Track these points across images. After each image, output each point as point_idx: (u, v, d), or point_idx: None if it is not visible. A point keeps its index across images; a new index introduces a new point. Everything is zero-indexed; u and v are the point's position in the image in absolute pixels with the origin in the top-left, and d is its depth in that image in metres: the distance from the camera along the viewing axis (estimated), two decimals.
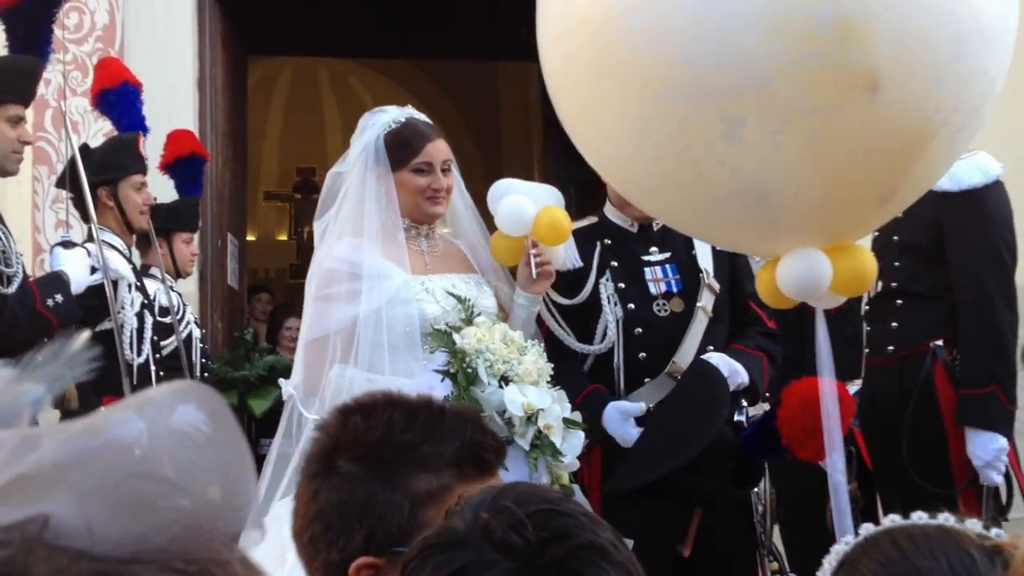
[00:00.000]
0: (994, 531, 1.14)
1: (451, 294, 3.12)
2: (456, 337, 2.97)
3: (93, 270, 4.19)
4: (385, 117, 3.25)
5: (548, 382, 3.00)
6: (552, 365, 3.06)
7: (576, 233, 3.41)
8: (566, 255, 3.39)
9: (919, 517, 1.17)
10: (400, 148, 3.19)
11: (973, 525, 1.15)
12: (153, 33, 5.74)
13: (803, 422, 2.97)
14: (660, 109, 2.17)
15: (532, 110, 11.01)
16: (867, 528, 1.19)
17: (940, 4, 2.10)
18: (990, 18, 2.17)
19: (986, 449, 3.51)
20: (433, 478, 1.49)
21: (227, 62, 6.50)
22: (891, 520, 1.18)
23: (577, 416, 3.05)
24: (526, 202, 3.29)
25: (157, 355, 4.62)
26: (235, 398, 6.40)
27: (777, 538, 4.34)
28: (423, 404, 1.57)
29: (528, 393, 2.90)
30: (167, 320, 4.85)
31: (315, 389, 3.04)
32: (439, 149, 3.22)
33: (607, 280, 3.37)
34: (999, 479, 3.55)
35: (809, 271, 2.34)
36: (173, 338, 4.87)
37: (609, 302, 3.35)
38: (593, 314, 3.37)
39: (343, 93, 13.50)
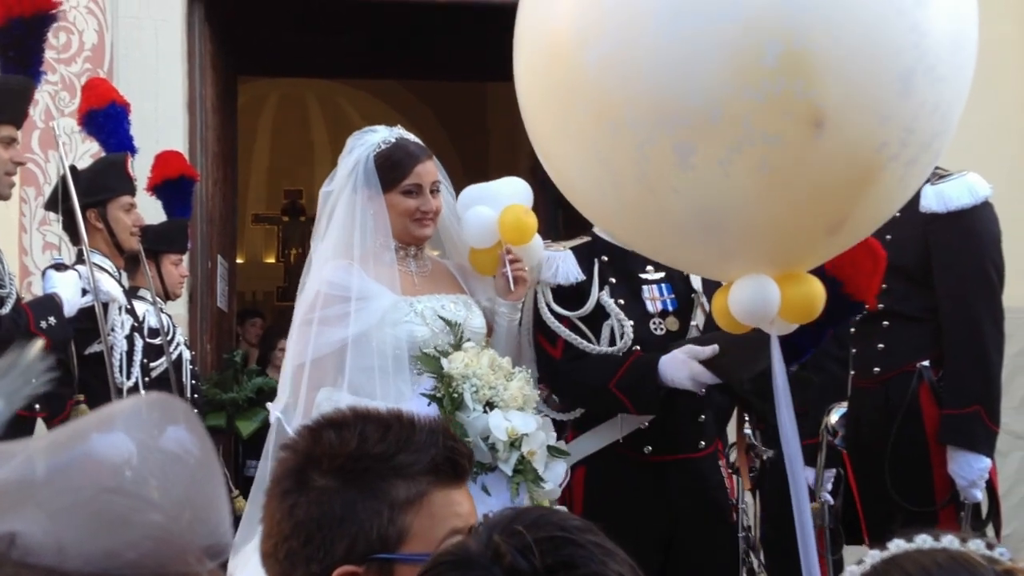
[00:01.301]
0: (998, 551, 1.12)
1: (441, 318, 3.11)
2: (444, 362, 2.98)
3: (84, 292, 4.18)
4: (374, 137, 3.23)
5: (534, 409, 3.00)
6: (538, 392, 3.08)
7: (575, 250, 3.44)
8: (546, 257, 3.41)
9: (923, 540, 1.14)
10: (390, 170, 3.18)
11: (976, 546, 1.12)
12: (143, 53, 5.73)
13: (858, 259, 2.91)
14: (617, 138, 2.23)
15: (520, 131, 11.04)
16: (872, 556, 1.15)
17: (887, 41, 2.12)
18: (941, 54, 2.19)
19: (970, 469, 3.52)
20: (410, 485, 1.51)
21: (217, 83, 6.51)
22: (896, 545, 1.14)
23: (562, 444, 3.05)
24: (484, 211, 3.29)
25: (147, 377, 4.61)
26: (223, 419, 6.38)
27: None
28: (394, 417, 1.58)
29: (512, 418, 2.91)
30: (157, 342, 4.83)
31: (307, 413, 3.02)
32: (428, 170, 3.22)
33: (607, 295, 3.38)
34: (980, 496, 3.56)
35: (758, 297, 2.40)
36: (163, 360, 4.85)
37: (614, 310, 3.36)
38: (599, 323, 3.38)
39: (331, 114, 13.54)
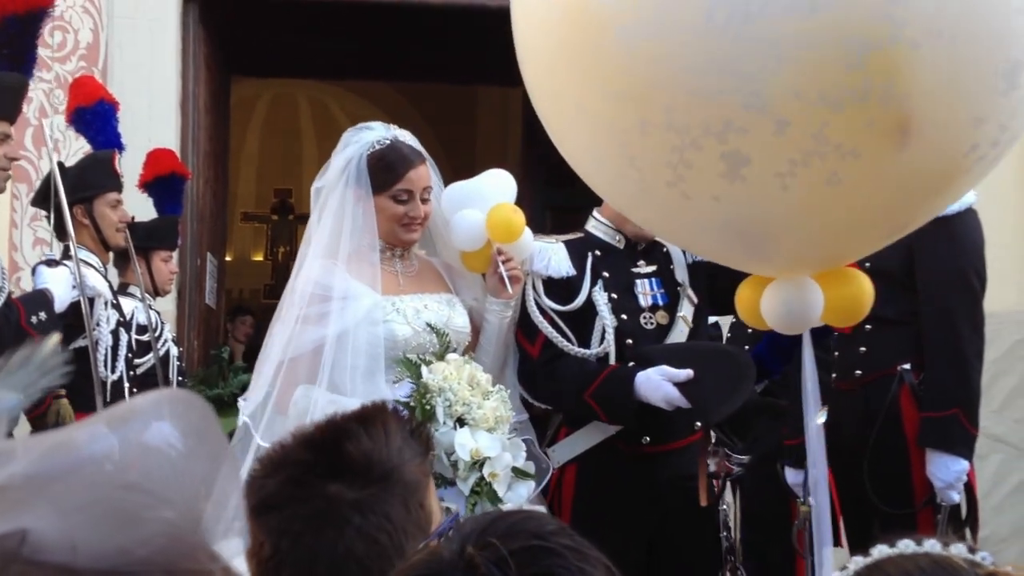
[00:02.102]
0: (980, 555, 1.12)
1: (429, 325, 3.11)
2: (424, 370, 2.97)
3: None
4: (370, 136, 3.20)
5: (506, 430, 3.00)
6: (514, 414, 3.08)
7: (568, 244, 3.45)
8: (538, 249, 3.41)
9: (906, 545, 1.14)
10: (382, 172, 3.16)
11: (959, 550, 1.13)
12: (137, 52, 5.75)
13: None
14: (651, 137, 1.92)
15: (510, 135, 11.07)
16: (856, 562, 1.15)
17: (994, 30, 1.81)
18: None
19: (947, 471, 3.53)
20: (419, 470, 1.55)
21: (210, 82, 6.52)
22: (879, 551, 1.14)
23: (530, 467, 3.04)
24: (471, 215, 3.28)
25: (132, 372, 4.63)
26: None
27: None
28: (381, 411, 1.60)
29: (479, 439, 2.90)
30: (144, 338, 4.85)
31: (284, 410, 3.03)
32: (420, 176, 3.20)
33: (600, 289, 3.39)
34: (957, 498, 3.57)
35: (800, 307, 2.18)
36: (150, 356, 4.88)
37: (604, 309, 3.37)
38: (588, 320, 3.38)
39: (321, 115, 13.54)
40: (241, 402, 3.18)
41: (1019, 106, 1.94)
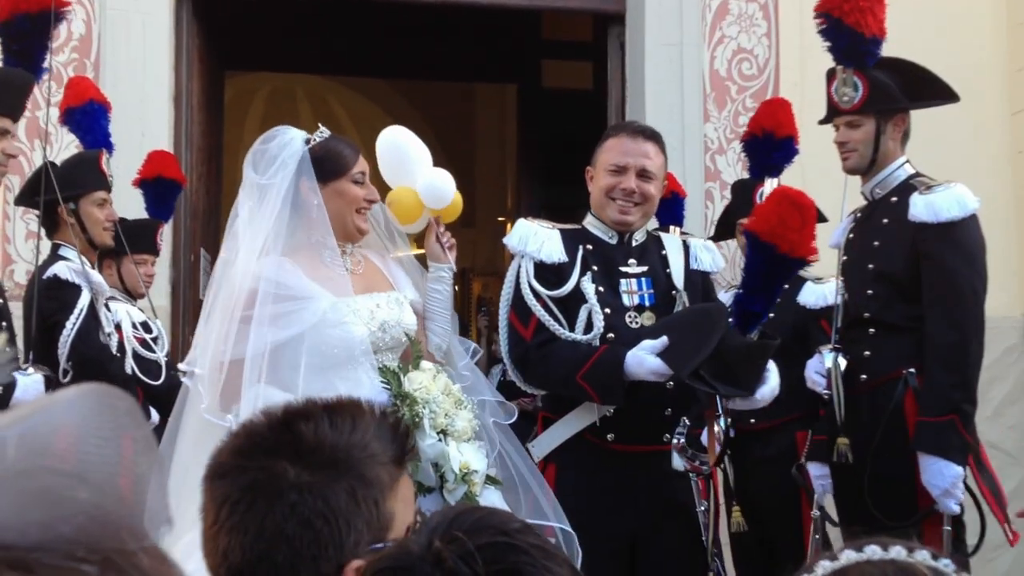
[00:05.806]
0: (942, 562, 1.13)
1: (407, 336, 3.14)
2: (405, 381, 2.98)
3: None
4: (297, 132, 3.19)
5: (474, 438, 3.05)
6: (478, 423, 3.11)
7: (563, 232, 3.51)
8: (534, 232, 3.53)
9: (872, 551, 1.14)
10: (333, 160, 3.14)
11: (923, 556, 1.13)
12: (129, 46, 5.71)
13: (785, 215, 3.16)
14: None
15: (507, 133, 11.08)
16: (824, 566, 1.15)
17: None
18: None
19: (941, 477, 3.52)
20: (386, 471, 1.49)
21: (203, 77, 6.49)
22: (846, 557, 1.14)
23: (498, 474, 3.11)
24: (449, 183, 3.45)
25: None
26: None
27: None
28: (354, 405, 1.56)
29: (465, 451, 2.95)
30: (149, 336, 4.91)
31: (229, 408, 2.94)
32: (366, 164, 3.23)
33: (589, 280, 3.43)
34: (955, 508, 3.56)
35: None
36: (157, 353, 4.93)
37: (592, 298, 3.41)
38: (576, 307, 3.43)
39: (320, 111, 13.52)
40: (203, 409, 3.02)
41: None
